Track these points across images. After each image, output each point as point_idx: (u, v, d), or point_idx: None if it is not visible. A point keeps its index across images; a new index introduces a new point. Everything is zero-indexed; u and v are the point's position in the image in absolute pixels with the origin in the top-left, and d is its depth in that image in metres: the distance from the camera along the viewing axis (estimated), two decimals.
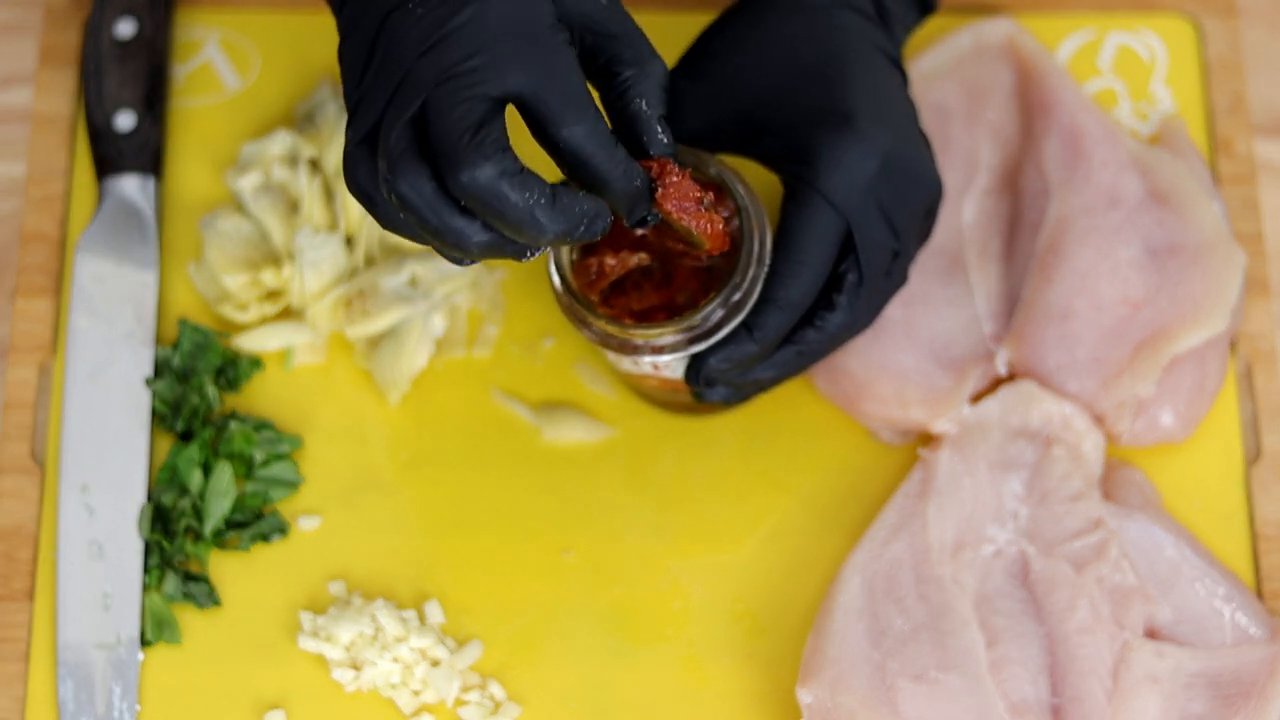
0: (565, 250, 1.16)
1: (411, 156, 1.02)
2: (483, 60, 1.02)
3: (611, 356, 1.20)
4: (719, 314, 1.14)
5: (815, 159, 1.14)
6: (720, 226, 1.09)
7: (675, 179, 1.07)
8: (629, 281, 1.17)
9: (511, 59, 1.02)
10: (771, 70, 1.17)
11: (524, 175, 1.02)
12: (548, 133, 1.03)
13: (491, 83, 1.02)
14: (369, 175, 1.05)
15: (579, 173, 1.04)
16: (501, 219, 1.02)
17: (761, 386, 1.19)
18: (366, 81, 1.04)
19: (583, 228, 1.03)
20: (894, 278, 1.17)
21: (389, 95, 1.03)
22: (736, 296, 1.14)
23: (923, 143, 1.17)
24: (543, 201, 1.02)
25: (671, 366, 1.18)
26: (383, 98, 1.03)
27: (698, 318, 1.14)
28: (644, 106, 1.06)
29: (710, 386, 1.18)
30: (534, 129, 1.04)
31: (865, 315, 1.17)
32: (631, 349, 1.16)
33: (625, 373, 1.23)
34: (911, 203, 1.16)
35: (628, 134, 1.07)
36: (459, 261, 1.06)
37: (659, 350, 1.15)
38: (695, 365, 1.16)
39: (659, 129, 1.07)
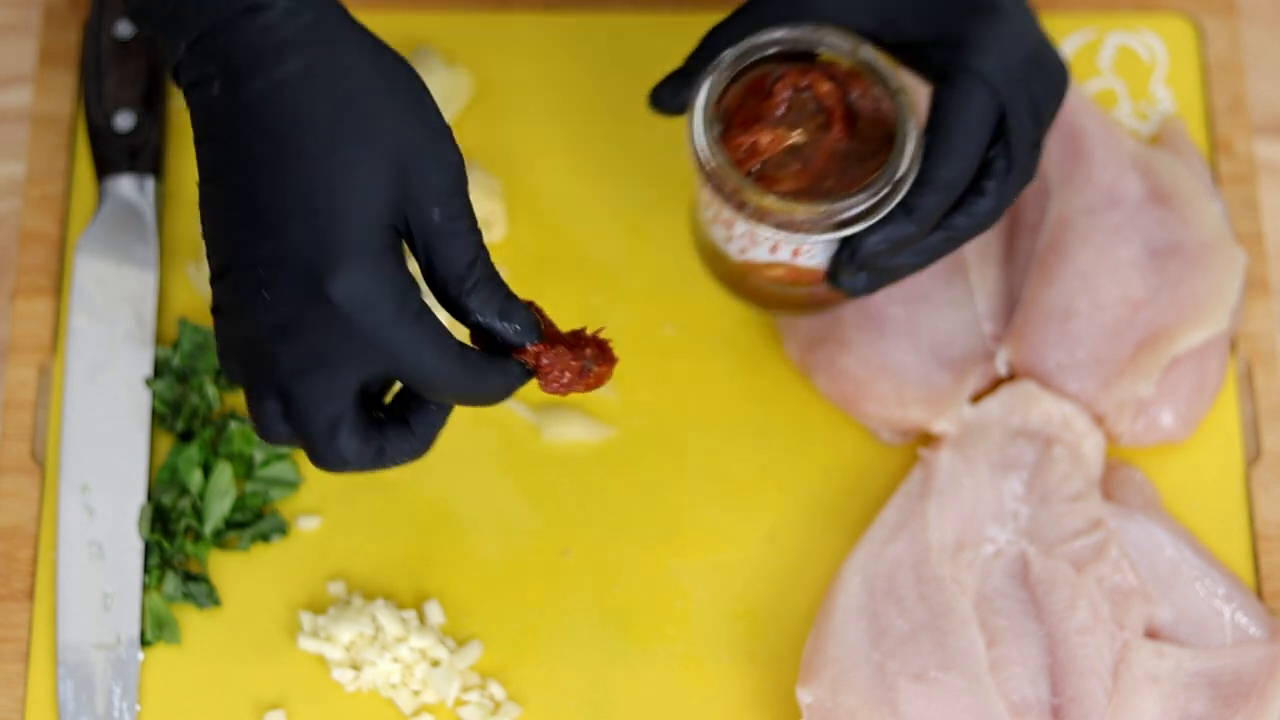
0: (706, 128, 1.14)
1: (287, 434, 1.06)
2: (333, 352, 1.03)
3: (736, 245, 1.18)
4: (885, 190, 1.13)
5: (970, 43, 1.14)
6: (602, 367, 1.08)
7: (546, 364, 1.07)
8: (769, 165, 1.15)
9: (359, 349, 1.03)
10: None
11: (379, 453, 1.05)
12: (425, 399, 1.07)
13: (340, 376, 1.03)
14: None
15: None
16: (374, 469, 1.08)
17: (900, 273, 1.18)
18: (228, 281, 1.05)
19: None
20: (1029, 171, 1.17)
21: (246, 367, 1.05)
22: (899, 174, 1.13)
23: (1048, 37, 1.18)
24: (406, 450, 1.06)
25: (811, 252, 1.17)
26: (240, 346, 1.05)
27: (862, 195, 1.13)
28: (481, 320, 1.06)
29: (860, 270, 1.17)
30: (411, 395, 1.07)
31: (1004, 204, 1.17)
32: (792, 227, 1.14)
33: (739, 264, 1.20)
34: (1052, 93, 1.16)
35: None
36: None
37: (827, 228, 1.13)
38: (849, 247, 1.16)
39: (500, 328, 1.06)
